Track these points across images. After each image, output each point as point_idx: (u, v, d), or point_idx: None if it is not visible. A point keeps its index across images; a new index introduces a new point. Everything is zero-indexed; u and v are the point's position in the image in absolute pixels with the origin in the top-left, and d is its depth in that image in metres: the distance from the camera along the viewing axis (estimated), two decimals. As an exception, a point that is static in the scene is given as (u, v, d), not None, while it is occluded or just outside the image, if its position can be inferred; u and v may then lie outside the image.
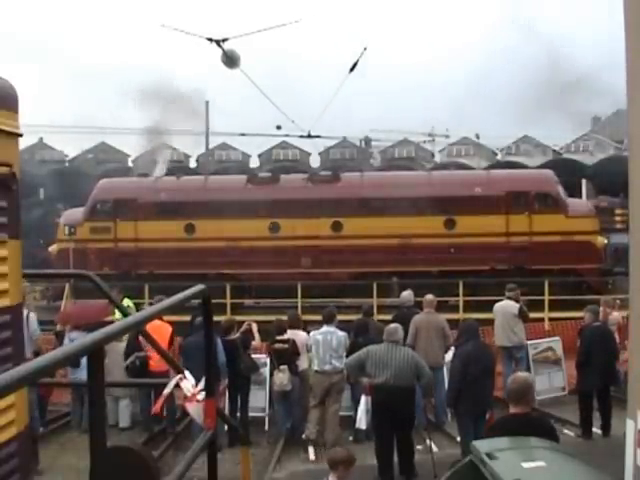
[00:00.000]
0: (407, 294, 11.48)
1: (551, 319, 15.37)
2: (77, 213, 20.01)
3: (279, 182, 19.56)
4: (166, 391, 3.33)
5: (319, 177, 20.19)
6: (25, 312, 9.50)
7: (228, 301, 16.95)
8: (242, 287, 18.86)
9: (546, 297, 16.08)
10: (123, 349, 9.65)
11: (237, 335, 9.99)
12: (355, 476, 8.35)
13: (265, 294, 19.13)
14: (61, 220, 20.34)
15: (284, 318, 10.48)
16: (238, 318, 12.25)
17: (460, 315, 15.76)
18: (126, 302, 11.24)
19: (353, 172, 22.49)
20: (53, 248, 19.95)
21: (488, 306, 12.74)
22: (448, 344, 10.43)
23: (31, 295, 19.80)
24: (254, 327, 10.39)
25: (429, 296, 10.80)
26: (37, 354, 7.39)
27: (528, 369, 11.55)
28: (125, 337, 9.39)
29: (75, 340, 7.98)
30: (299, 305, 16.57)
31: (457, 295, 16.81)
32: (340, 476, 5.91)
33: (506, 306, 11.40)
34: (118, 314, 9.97)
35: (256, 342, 10.35)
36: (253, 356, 10.40)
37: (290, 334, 9.93)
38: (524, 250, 17.67)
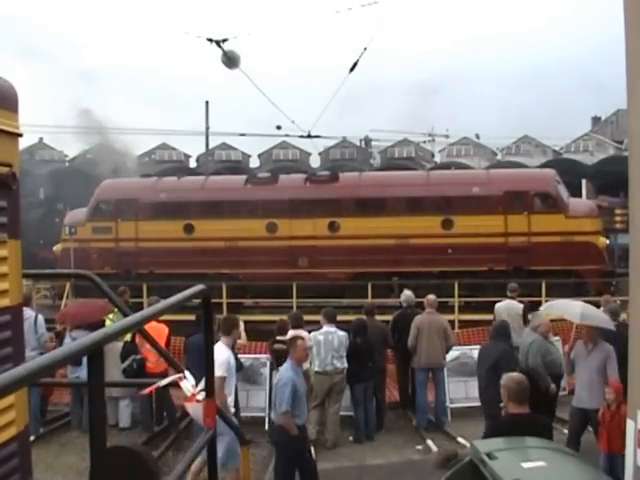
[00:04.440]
0: (410, 294, 11.45)
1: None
2: (80, 213, 20.17)
3: (277, 182, 19.59)
4: (163, 382, 3.34)
5: (317, 177, 20.18)
6: (33, 314, 9.58)
7: (224, 300, 16.96)
8: (241, 287, 18.90)
9: (543, 298, 16.03)
10: (120, 349, 9.65)
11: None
12: (355, 476, 8.39)
13: (264, 294, 19.17)
14: (65, 220, 20.54)
15: (286, 318, 10.48)
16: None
17: (456, 316, 15.74)
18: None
19: (352, 172, 22.48)
20: (57, 248, 20.20)
21: (486, 307, 12.72)
22: (449, 344, 10.44)
23: (41, 294, 20.16)
24: (241, 325, 10.39)
25: (431, 296, 10.75)
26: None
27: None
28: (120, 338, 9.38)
29: (76, 339, 7.99)
30: (294, 305, 16.59)
31: (455, 296, 16.78)
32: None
33: (510, 306, 11.33)
34: (111, 316, 9.98)
35: (242, 340, 10.36)
36: (249, 355, 10.44)
37: (293, 334, 9.92)
38: (523, 251, 17.61)
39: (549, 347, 8.48)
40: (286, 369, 7.19)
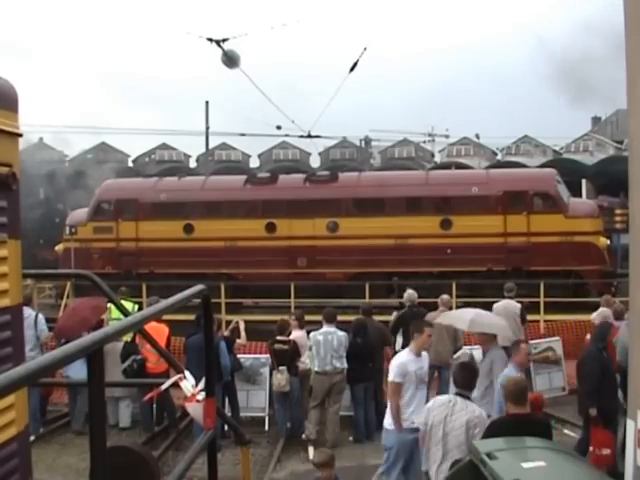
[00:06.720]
0: (413, 293, 11.46)
1: (546, 321, 15.27)
2: (82, 213, 20.23)
3: (277, 182, 19.60)
4: (164, 386, 3.34)
5: (317, 177, 20.16)
6: (34, 313, 9.58)
7: (223, 300, 16.97)
8: (240, 287, 18.90)
9: (542, 299, 16.00)
10: (120, 349, 9.64)
11: (225, 334, 10.07)
12: (355, 476, 8.39)
13: (263, 294, 19.17)
14: (67, 220, 20.60)
15: (287, 318, 10.48)
16: (236, 318, 12.29)
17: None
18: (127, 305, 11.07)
19: (352, 172, 22.44)
20: (59, 247, 20.25)
21: (485, 307, 12.69)
22: (459, 345, 10.54)
23: (45, 294, 20.21)
24: (241, 325, 10.41)
25: (445, 296, 10.97)
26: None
27: (528, 369, 11.56)
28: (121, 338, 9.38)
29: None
30: (292, 305, 16.59)
31: (454, 296, 16.75)
32: (326, 476, 5.90)
33: (509, 306, 11.32)
34: (114, 314, 9.99)
35: (241, 340, 10.37)
36: (249, 355, 10.42)
37: (295, 334, 9.94)
38: (522, 251, 17.56)
39: None
40: (509, 370, 7.04)
